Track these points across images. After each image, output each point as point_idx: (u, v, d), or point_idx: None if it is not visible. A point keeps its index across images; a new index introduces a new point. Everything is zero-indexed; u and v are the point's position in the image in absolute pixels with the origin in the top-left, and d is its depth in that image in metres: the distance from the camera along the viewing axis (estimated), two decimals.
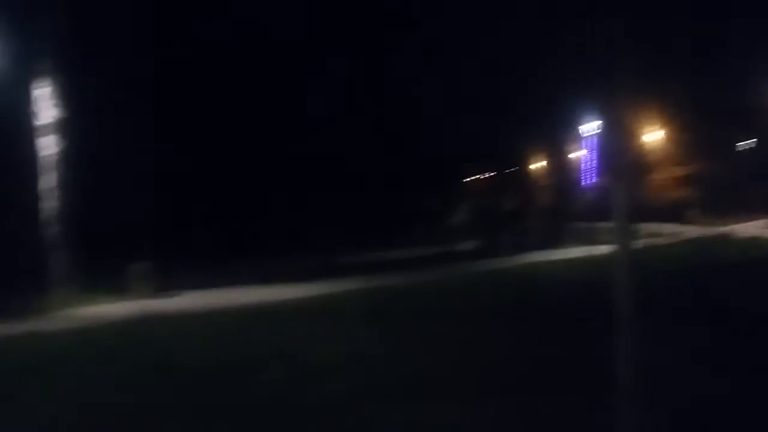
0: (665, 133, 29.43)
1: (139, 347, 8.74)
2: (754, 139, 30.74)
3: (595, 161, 30.06)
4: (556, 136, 31.68)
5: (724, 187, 27.29)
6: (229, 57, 26.60)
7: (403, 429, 5.24)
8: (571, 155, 32.18)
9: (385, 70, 29.90)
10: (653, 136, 29.31)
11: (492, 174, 35.20)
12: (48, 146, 15.74)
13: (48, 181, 15.79)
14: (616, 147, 4.29)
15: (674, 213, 27.76)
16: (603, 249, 15.84)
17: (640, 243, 5.25)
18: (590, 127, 28.98)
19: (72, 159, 16.01)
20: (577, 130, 29.62)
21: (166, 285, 16.03)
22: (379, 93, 30.38)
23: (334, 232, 26.83)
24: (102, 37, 21.07)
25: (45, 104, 15.62)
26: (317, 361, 7.47)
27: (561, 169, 32.71)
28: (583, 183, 31.62)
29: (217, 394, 6.42)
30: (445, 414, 5.42)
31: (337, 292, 14.27)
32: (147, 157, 24.64)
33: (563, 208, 29.25)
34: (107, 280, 16.02)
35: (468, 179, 35.49)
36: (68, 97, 15.85)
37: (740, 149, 31.32)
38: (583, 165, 31.47)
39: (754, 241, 19.91)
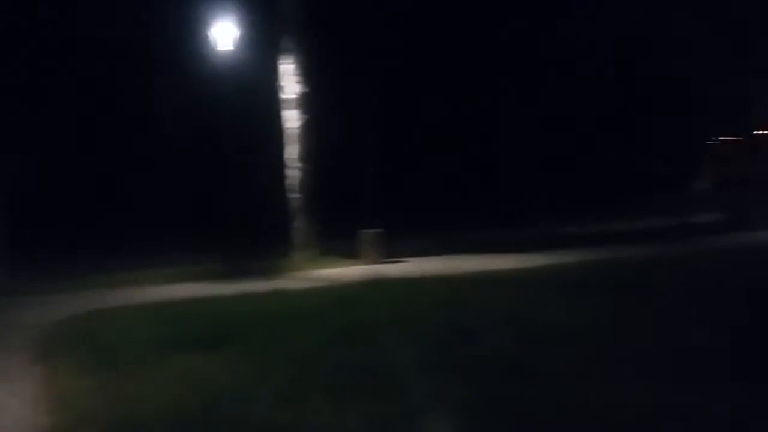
0: None
1: (375, 305, 9.19)
2: None
3: None
4: None
5: None
6: (457, 18, 26.56)
7: (624, 407, 4.94)
8: None
9: (622, 26, 28.04)
10: None
11: (742, 136, 31.39)
12: (292, 119, 17.13)
13: (291, 152, 17.21)
14: None
15: None
16: None
17: None
18: None
19: (311, 131, 17.26)
20: None
21: (393, 251, 16.71)
22: (616, 50, 28.53)
23: (560, 201, 25.99)
24: (340, 16, 22.21)
25: (290, 79, 17.00)
26: (540, 329, 7.38)
27: None
28: None
29: (449, 352, 6.57)
30: (669, 397, 5.02)
31: (561, 263, 13.83)
32: (378, 131, 25.79)
33: None
34: (340, 245, 17.15)
35: (713, 142, 32.00)
36: (309, 72, 17.06)
37: None
38: None
39: None
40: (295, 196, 17.16)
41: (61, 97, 22.90)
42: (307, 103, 17.08)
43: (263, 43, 17.52)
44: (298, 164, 17.12)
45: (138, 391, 5.85)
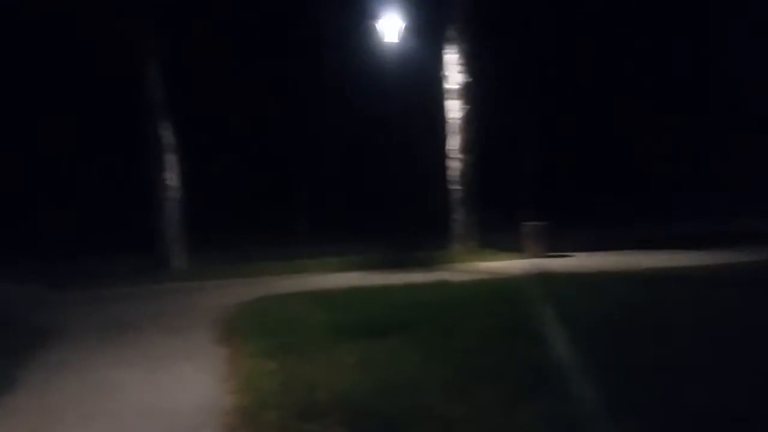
0: None
1: (542, 300, 8.81)
2: None
3: None
4: None
5: None
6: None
7: None
8: None
9: None
10: None
11: None
12: (454, 109, 16.95)
13: (453, 143, 17.05)
14: None
15: None
16: None
17: None
18: None
19: (473, 122, 17.00)
20: None
21: (555, 245, 16.13)
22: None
23: (737, 196, 23.93)
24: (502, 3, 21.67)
25: (453, 69, 16.84)
26: (734, 331, 6.85)
27: None
28: None
29: (630, 353, 6.15)
30: None
31: (738, 263, 12.74)
32: (539, 122, 25.05)
33: None
34: (500, 238, 16.79)
35: None
36: (472, 62, 16.80)
37: None
38: None
39: None
40: (455, 187, 17.00)
41: (230, 88, 24.14)
42: (469, 93, 16.84)
43: (427, 34, 17.50)
44: (459, 155, 16.94)
45: (314, 376, 5.97)
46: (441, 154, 17.34)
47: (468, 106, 16.86)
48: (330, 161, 25.64)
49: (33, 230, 20.32)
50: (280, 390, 5.65)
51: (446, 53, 16.80)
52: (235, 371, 6.45)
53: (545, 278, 11.16)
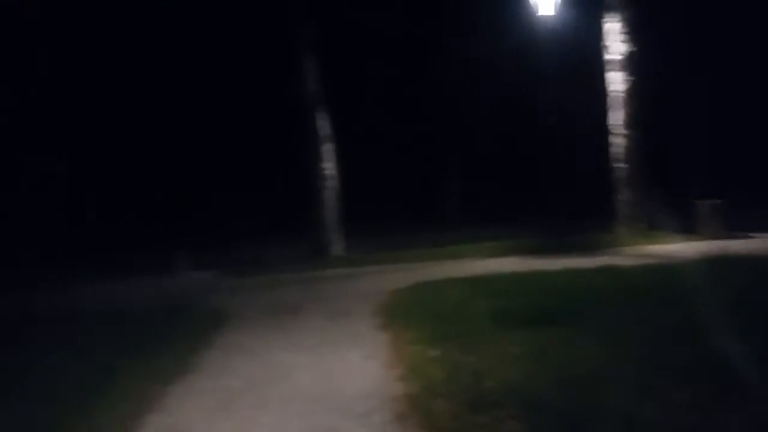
0: None
1: (729, 287, 7.97)
2: None
3: None
4: None
5: None
6: None
7: None
8: None
9: None
10: None
11: None
12: (616, 81, 15.87)
13: (616, 118, 15.97)
14: None
15: None
16: None
17: None
18: None
19: (638, 94, 15.84)
20: None
21: (734, 225, 14.70)
22: None
23: None
24: None
25: (614, 38, 15.76)
26: None
27: None
28: None
29: None
30: None
31: None
32: (710, 93, 23.07)
33: None
34: (671, 220, 15.55)
35: None
36: (636, 30, 15.63)
37: None
38: None
39: None
40: (619, 165, 15.95)
41: (380, 73, 24.26)
42: (633, 63, 15.68)
43: (584, 2, 16.51)
44: (623, 131, 15.85)
45: (482, 365, 5.74)
46: (603, 131, 16.31)
47: (632, 78, 15.72)
48: (482, 142, 25.16)
49: (205, 221, 21.76)
50: (447, 379, 5.48)
51: (606, 22, 15.74)
52: (399, 358, 6.37)
53: (728, 262, 10.12)
